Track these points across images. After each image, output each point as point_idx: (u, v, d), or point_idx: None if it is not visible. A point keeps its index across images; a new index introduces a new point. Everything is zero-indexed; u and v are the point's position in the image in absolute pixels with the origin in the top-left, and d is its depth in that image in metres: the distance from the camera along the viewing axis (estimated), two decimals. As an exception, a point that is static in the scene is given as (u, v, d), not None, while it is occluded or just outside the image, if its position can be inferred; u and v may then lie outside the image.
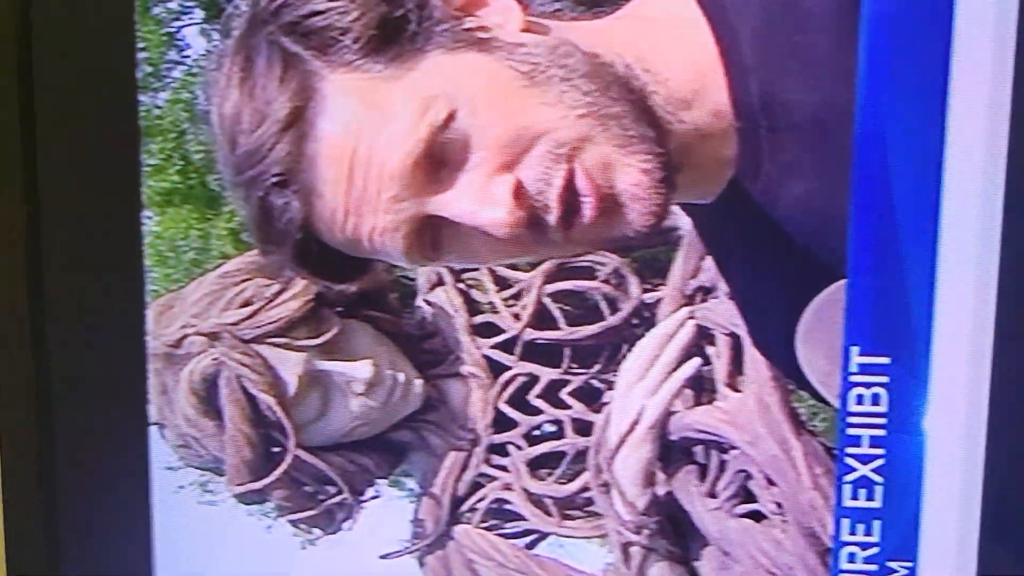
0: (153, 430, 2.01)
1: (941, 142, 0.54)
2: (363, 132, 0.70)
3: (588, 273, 2.22)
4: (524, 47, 0.72)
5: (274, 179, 0.72)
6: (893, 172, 0.56)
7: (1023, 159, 0.48)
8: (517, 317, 2.21)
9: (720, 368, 1.95)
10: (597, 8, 0.77)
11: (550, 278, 2.16)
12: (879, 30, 0.56)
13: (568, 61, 0.73)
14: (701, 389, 2.01)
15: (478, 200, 0.70)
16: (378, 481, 2.35)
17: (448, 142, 0.70)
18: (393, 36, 0.72)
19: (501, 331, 2.20)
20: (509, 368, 2.20)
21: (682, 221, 2.28)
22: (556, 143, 0.69)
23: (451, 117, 0.70)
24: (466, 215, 0.70)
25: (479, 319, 2.21)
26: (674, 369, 1.94)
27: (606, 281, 2.23)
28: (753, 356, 1.87)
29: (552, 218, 0.70)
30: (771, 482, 1.95)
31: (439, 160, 0.70)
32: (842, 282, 0.65)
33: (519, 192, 0.70)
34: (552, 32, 0.73)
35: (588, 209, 0.70)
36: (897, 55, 0.54)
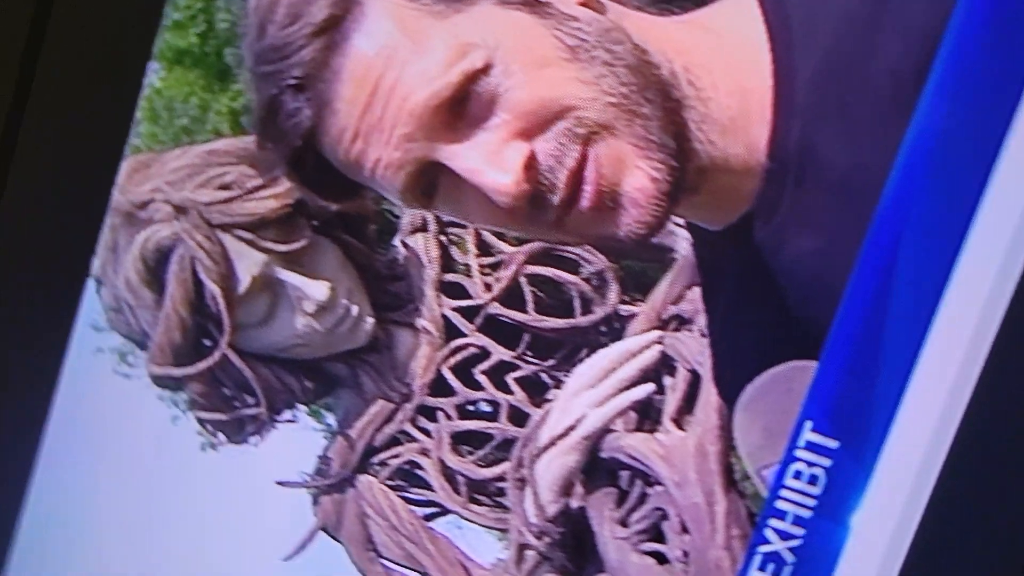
0: (91, 283, 2.00)
1: (956, 252, 0.54)
2: (395, 60, 0.69)
3: (572, 267, 2.22)
4: (576, 21, 0.72)
5: (292, 81, 0.71)
6: (902, 264, 0.57)
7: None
8: (488, 288, 2.20)
9: (671, 401, 1.95)
10: (664, 5, 0.76)
11: (533, 259, 2.15)
12: (934, 119, 0.57)
13: (616, 48, 0.72)
14: (646, 416, 2.02)
15: (488, 160, 0.70)
16: (299, 406, 2.35)
17: (475, 94, 0.70)
18: None
19: (468, 296, 2.19)
20: (464, 335, 2.19)
21: (680, 245, 2.29)
22: (578, 122, 0.69)
23: (485, 70, 0.70)
24: (472, 172, 0.70)
25: (450, 277, 2.21)
26: (627, 388, 1.95)
27: (587, 280, 2.22)
28: (707, 399, 1.87)
29: (556, 198, 0.69)
30: (685, 529, 1.96)
31: (461, 110, 0.69)
32: (801, 364, 0.66)
33: (530, 164, 0.69)
34: (609, 14, 0.73)
35: (585, 198, 0.70)
36: (944, 151, 0.55)
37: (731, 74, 0.74)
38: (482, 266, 2.22)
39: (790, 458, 0.62)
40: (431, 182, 0.72)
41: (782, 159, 0.74)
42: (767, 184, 0.74)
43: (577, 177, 0.69)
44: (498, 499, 2.31)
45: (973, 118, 0.55)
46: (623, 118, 0.70)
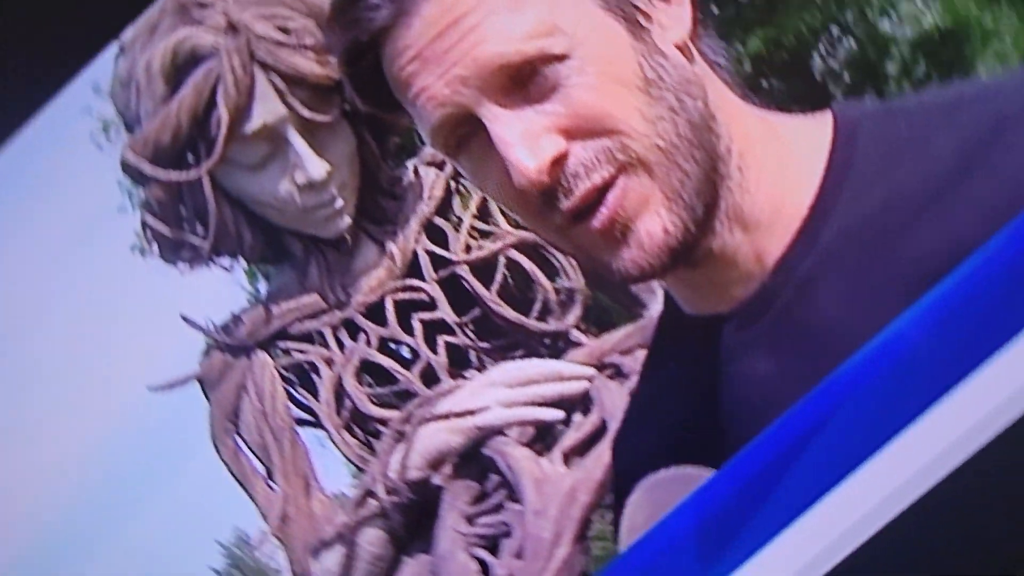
0: (113, 47, 2.00)
1: (873, 451, 0.57)
2: (486, 4, 0.70)
3: (551, 272, 2.23)
4: (664, 59, 0.73)
5: None
6: (832, 435, 0.59)
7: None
8: (468, 249, 2.17)
9: (571, 437, 1.97)
10: (749, 91, 0.77)
11: (520, 247, 2.15)
12: (917, 329, 0.59)
13: (687, 100, 0.73)
14: (541, 438, 2.04)
15: (523, 138, 0.70)
16: (240, 259, 2.36)
17: (541, 75, 0.70)
18: None
19: (445, 246, 2.16)
20: (423, 280, 2.20)
21: (653, 307, 2.31)
22: (621, 147, 0.70)
23: (561, 57, 0.71)
24: (504, 142, 0.70)
25: (439, 221, 2.18)
26: (539, 405, 1.97)
27: (557, 291, 2.24)
28: (603, 452, 1.90)
29: (565, 205, 0.70)
30: (520, 555, 1.98)
31: (522, 81, 0.70)
32: (700, 471, 0.67)
33: (559, 161, 0.70)
34: (696, 67, 0.74)
35: (599, 218, 0.71)
36: (910, 362, 0.57)
37: (777, 183, 0.75)
38: (473, 228, 2.20)
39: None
40: (464, 133, 0.72)
41: (782, 283, 0.75)
42: (757, 298, 0.76)
43: (597, 194, 0.70)
44: (371, 439, 2.33)
45: (943, 350, 0.57)
46: (664, 164, 0.71)
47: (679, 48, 0.73)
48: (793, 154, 0.76)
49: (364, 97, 0.75)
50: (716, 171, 0.72)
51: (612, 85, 0.70)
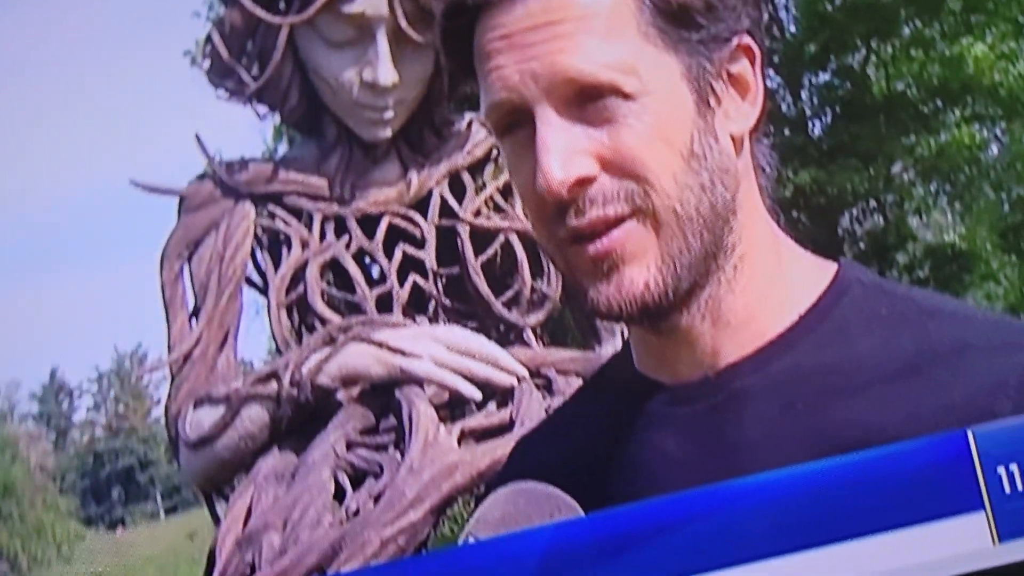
0: None
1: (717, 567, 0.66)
2: (587, 22, 0.75)
3: (536, 271, 2.26)
4: (715, 142, 0.78)
5: None
6: (691, 535, 0.67)
7: None
8: (477, 214, 2.23)
9: (476, 420, 2.03)
10: (779, 209, 0.86)
11: (522, 236, 2.16)
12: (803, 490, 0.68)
13: (718, 186, 0.78)
14: (451, 407, 2.11)
15: (561, 150, 0.76)
16: (275, 115, 2.41)
17: (603, 103, 0.76)
18: (681, 18, 0.78)
19: (459, 202, 2.22)
20: (424, 217, 2.21)
21: (607, 347, 2.39)
22: (644, 197, 0.75)
23: (626, 96, 0.76)
24: (544, 144, 0.76)
25: (465, 176, 2.25)
26: (464, 378, 2.03)
27: (533, 290, 2.26)
28: (495, 447, 1.96)
29: (573, 222, 0.78)
30: (377, 500, 2.04)
31: (583, 101, 0.76)
32: (576, 510, 0.72)
33: (583, 182, 0.75)
34: (740, 162, 0.81)
35: (594, 246, 0.78)
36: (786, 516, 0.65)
37: (759, 297, 0.81)
38: (490, 198, 2.27)
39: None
40: (515, 121, 0.79)
41: (722, 385, 0.82)
42: (696, 386, 0.82)
43: (604, 226, 0.77)
44: (304, 329, 2.40)
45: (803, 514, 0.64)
46: (673, 229, 0.77)
47: (733, 139, 0.80)
48: (784, 280, 0.83)
49: (446, 50, 0.82)
50: (715, 258, 0.79)
51: (659, 142, 0.77)
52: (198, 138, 2.30)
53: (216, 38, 2.16)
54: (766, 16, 0.82)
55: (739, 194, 0.80)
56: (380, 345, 2.09)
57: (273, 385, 2.19)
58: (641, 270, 0.75)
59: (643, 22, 0.76)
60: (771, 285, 0.83)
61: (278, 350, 2.39)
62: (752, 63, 0.80)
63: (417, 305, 2.24)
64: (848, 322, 0.81)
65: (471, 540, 0.66)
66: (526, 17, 0.76)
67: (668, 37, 0.76)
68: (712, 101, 0.77)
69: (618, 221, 0.75)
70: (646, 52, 0.76)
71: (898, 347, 0.79)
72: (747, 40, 0.79)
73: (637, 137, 0.75)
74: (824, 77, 9.66)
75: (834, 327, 0.81)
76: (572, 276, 0.77)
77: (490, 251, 2.23)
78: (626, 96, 0.74)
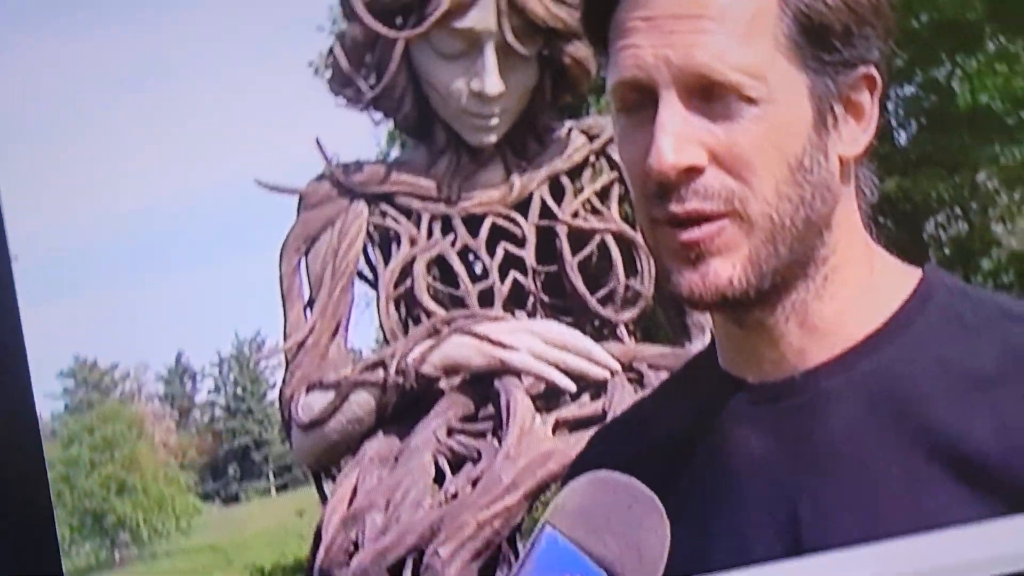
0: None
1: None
2: (727, 19, 0.74)
3: (630, 271, 2.27)
4: (824, 160, 0.76)
5: None
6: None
7: None
8: (575, 215, 2.25)
9: (570, 411, 2.04)
10: (872, 221, 0.85)
11: (618, 238, 2.21)
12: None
13: (816, 204, 0.77)
14: (547, 398, 2.12)
15: (677, 135, 0.74)
16: (390, 121, 2.44)
17: (725, 102, 0.73)
18: (818, 37, 0.78)
19: (558, 202, 2.24)
20: (525, 217, 2.23)
21: (696, 344, 2.37)
22: (742, 199, 0.74)
23: (749, 100, 0.75)
24: (661, 125, 0.74)
25: (564, 179, 2.27)
26: (560, 370, 2.05)
27: (627, 288, 2.25)
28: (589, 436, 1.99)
29: (672, 207, 0.76)
30: (475, 484, 2.05)
31: (708, 95, 0.75)
32: (658, 506, 0.69)
33: (692, 171, 0.73)
34: (845, 187, 0.79)
35: (688, 233, 0.76)
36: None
37: (849, 305, 0.79)
38: (588, 201, 2.28)
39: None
40: (638, 101, 0.78)
41: (809, 385, 0.81)
42: (782, 384, 0.81)
43: (700, 218, 0.76)
44: (410, 322, 2.42)
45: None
46: (764, 235, 0.75)
47: (841, 160, 0.80)
48: (875, 288, 0.81)
49: (586, 17, 0.81)
50: (804, 269, 0.78)
51: (771, 149, 0.76)
52: (318, 141, 2.37)
53: (338, 50, 2.22)
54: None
55: (836, 211, 0.79)
56: (481, 338, 2.11)
57: (380, 373, 2.23)
58: (727, 266, 0.75)
59: (781, 34, 0.76)
60: (861, 294, 0.81)
61: (386, 340, 2.43)
62: (872, 93, 0.79)
63: (517, 300, 2.26)
64: (933, 327, 0.79)
65: (548, 529, 0.66)
66: (673, 5, 0.75)
67: (801, 53, 0.76)
68: (830, 122, 0.77)
69: (713, 217, 0.74)
70: (777, 62, 0.75)
71: (984, 353, 0.77)
72: (872, 71, 0.78)
73: (751, 140, 0.74)
74: (910, 89, 9.45)
75: (920, 331, 0.79)
76: (660, 256, 0.76)
77: (587, 251, 2.24)
78: (749, 100, 0.74)
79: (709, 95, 0.74)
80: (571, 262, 2.22)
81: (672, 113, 0.74)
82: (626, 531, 0.67)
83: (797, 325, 0.79)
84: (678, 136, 0.74)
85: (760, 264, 0.75)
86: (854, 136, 0.77)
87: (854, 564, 0.63)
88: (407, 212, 2.27)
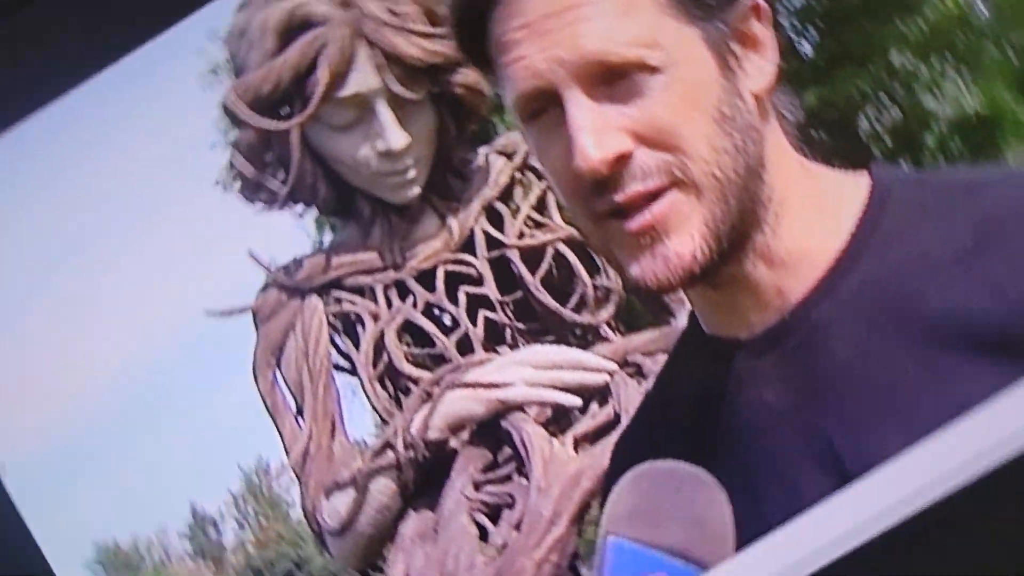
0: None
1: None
2: (602, 2, 0.74)
3: (592, 270, 2.27)
4: (742, 102, 0.74)
5: None
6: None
7: None
8: (520, 236, 2.21)
9: (584, 425, 2.02)
10: (804, 142, 0.83)
11: (569, 243, 2.18)
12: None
13: (749, 147, 0.74)
14: (557, 421, 2.08)
15: (595, 129, 0.71)
16: (312, 209, 2.43)
17: (630, 79, 0.72)
18: None
19: (501, 229, 2.21)
20: (474, 256, 2.20)
21: (681, 317, 2.36)
22: (681, 167, 0.72)
23: (653, 70, 0.73)
24: (576, 126, 0.72)
25: (499, 205, 2.24)
26: (561, 389, 2.01)
27: (595, 288, 2.24)
28: (611, 444, 1.95)
29: (611, 198, 0.74)
30: (519, 528, 2.02)
31: (611, 80, 0.73)
32: (706, 478, 0.68)
33: (621, 160, 0.71)
34: (769, 122, 0.77)
35: (636, 221, 0.74)
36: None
37: (808, 231, 0.78)
38: (529, 217, 2.25)
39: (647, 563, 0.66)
40: (542, 107, 0.76)
41: (800, 320, 0.79)
42: (774, 330, 0.79)
43: (643, 200, 0.74)
44: (400, 395, 2.38)
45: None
46: (714, 194, 0.74)
47: (755, 96, 0.78)
48: (828, 205, 0.80)
49: (463, 47, 0.79)
50: (754, 214, 0.76)
51: (691, 110, 0.74)
52: (251, 254, 2.33)
53: (238, 159, 2.19)
54: None
55: (767, 147, 0.78)
56: (473, 385, 2.07)
57: (390, 455, 2.19)
58: (685, 240, 0.74)
59: None
60: (816, 216, 0.80)
61: (383, 421, 2.40)
62: (761, 19, 0.78)
63: (494, 338, 2.23)
64: (899, 224, 0.78)
65: (612, 539, 0.65)
66: (544, 4, 0.74)
67: (684, 6, 0.75)
68: (733, 64, 0.76)
69: (658, 193, 0.73)
70: (666, 24, 0.74)
71: (957, 230, 0.76)
72: None
73: (668, 109, 0.73)
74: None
75: (887, 232, 0.79)
76: (611, 253, 0.74)
77: (544, 266, 2.22)
78: (652, 70, 0.72)
79: (611, 79, 0.73)
80: (533, 282, 2.19)
81: (582, 109, 0.73)
82: (684, 513, 0.66)
83: (767, 267, 0.78)
84: (596, 130, 0.72)
85: (717, 226, 0.74)
86: (759, 68, 0.77)
87: (910, 471, 0.60)
88: (360, 291, 2.23)
